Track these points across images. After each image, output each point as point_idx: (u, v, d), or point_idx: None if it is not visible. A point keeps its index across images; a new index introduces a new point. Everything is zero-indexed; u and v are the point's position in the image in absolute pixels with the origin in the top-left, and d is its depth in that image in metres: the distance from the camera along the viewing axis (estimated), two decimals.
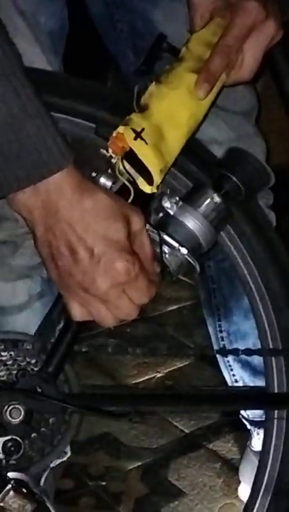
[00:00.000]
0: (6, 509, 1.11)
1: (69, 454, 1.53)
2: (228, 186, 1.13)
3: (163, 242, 1.07)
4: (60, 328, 1.14)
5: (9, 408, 1.12)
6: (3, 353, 1.15)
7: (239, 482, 1.78)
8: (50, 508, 1.15)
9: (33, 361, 1.15)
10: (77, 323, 1.10)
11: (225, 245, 1.24)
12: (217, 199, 1.11)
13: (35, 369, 1.15)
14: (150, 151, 1.06)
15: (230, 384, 1.69)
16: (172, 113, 1.09)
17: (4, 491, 1.11)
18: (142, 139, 1.05)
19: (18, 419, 1.12)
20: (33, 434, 1.15)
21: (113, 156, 1.05)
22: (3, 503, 1.10)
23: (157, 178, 1.06)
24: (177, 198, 1.10)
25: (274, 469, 1.27)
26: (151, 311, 2.17)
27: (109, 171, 1.04)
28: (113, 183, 1.04)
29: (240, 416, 1.75)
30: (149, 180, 1.06)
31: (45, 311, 1.20)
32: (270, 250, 1.26)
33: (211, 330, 1.69)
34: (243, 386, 1.66)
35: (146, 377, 2.14)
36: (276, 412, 1.26)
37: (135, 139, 1.05)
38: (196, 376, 2.14)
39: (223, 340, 1.66)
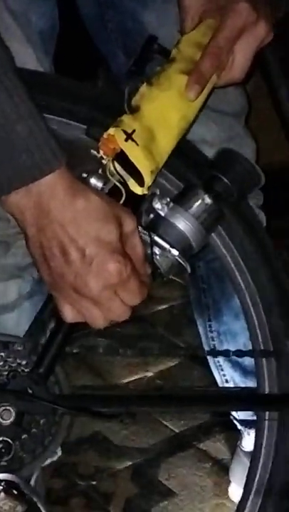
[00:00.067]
0: None
1: (60, 453, 1.53)
2: (218, 187, 1.13)
3: (154, 243, 1.07)
4: (51, 329, 1.14)
5: (0, 410, 1.12)
6: None
7: (229, 482, 1.79)
8: (41, 508, 1.15)
9: (24, 362, 1.15)
10: (68, 324, 1.10)
11: (216, 246, 1.24)
12: (208, 200, 1.11)
13: (26, 370, 1.14)
14: (141, 152, 1.06)
15: (220, 384, 1.69)
16: (163, 114, 1.10)
17: None
18: (132, 140, 1.05)
19: (8, 421, 1.12)
20: (24, 436, 1.14)
21: (104, 157, 1.05)
22: None
23: (148, 180, 1.07)
24: (168, 200, 1.10)
25: (265, 470, 1.28)
26: (141, 311, 2.16)
27: (101, 172, 1.04)
28: (104, 185, 1.04)
29: (231, 416, 1.76)
30: (140, 181, 1.06)
31: (34, 311, 1.20)
32: (261, 251, 1.26)
33: (201, 330, 1.69)
34: (234, 387, 1.66)
35: (137, 377, 2.14)
36: (267, 412, 1.26)
37: (126, 140, 1.05)
38: (186, 376, 2.14)
39: (213, 340, 1.66)
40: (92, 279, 0.98)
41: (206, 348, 1.67)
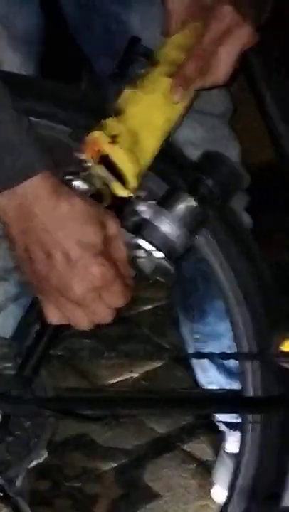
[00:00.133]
0: None
1: (46, 455, 1.52)
2: (203, 189, 1.13)
3: (138, 245, 1.07)
4: (36, 332, 1.14)
5: None
6: None
7: (213, 484, 1.79)
8: (27, 510, 1.15)
9: (9, 365, 1.15)
10: (52, 326, 1.10)
11: (200, 248, 1.24)
12: (193, 202, 1.11)
13: (11, 372, 1.14)
14: (125, 155, 1.06)
15: (205, 386, 1.70)
16: (148, 117, 1.10)
17: None
18: (117, 143, 1.06)
19: None
20: (9, 438, 1.14)
21: (88, 160, 1.05)
22: None
23: (132, 182, 1.07)
24: (152, 202, 1.10)
25: (249, 472, 1.28)
26: (126, 312, 2.16)
27: (85, 175, 1.05)
28: (88, 187, 1.04)
29: (214, 418, 1.76)
30: (125, 184, 1.06)
31: (20, 314, 1.20)
32: (245, 253, 1.27)
33: (185, 331, 1.69)
34: (219, 389, 1.66)
35: (122, 378, 2.14)
36: (251, 415, 1.27)
37: (110, 143, 1.05)
38: (171, 377, 2.14)
39: (197, 341, 1.66)
40: (76, 282, 0.99)
41: (190, 350, 1.67)
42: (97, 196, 1.04)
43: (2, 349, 1.15)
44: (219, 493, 1.73)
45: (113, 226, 1.01)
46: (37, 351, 1.13)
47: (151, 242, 1.08)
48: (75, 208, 0.97)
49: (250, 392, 1.26)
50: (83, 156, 1.05)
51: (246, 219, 1.51)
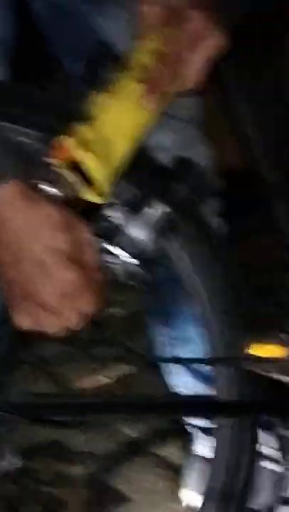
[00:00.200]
0: None
1: (19, 464, 1.52)
2: (174, 195, 1.13)
3: (109, 251, 1.07)
4: (6, 337, 1.14)
5: None
6: None
7: (183, 487, 1.79)
8: None
9: None
10: (23, 331, 1.10)
11: (171, 253, 1.24)
12: (163, 208, 1.11)
13: None
14: (96, 161, 1.06)
15: (175, 390, 1.70)
16: (119, 123, 1.10)
17: None
18: (88, 149, 1.05)
19: None
20: None
21: (59, 165, 1.05)
22: None
23: (103, 188, 1.07)
24: (124, 208, 1.10)
25: (220, 477, 1.28)
26: (98, 316, 2.16)
27: (56, 180, 1.04)
28: (59, 193, 1.04)
29: (184, 421, 1.76)
30: (96, 190, 1.06)
31: None
32: (216, 257, 1.27)
33: (155, 335, 1.69)
34: (190, 393, 1.66)
35: (94, 383, 2.14)
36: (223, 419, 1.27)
37: (81, 149, 1.05)
38: (143, 381, 2.14)
39: (167, 345, 1.66)
40: (46, 288, 0.99)
41: (161, 354, 1.67)
42: (68, 202, 1.04)
43: None
44: (189, 497, 1.73)
45: (84, 232, 1.01)
46: (7, 356, 1.12)
47: (122, 248, 1.09)
48: (46, 214, 0.97)
49: (220, 396, 1.27)
50: (54, 162, 1.05)
51: (218, 223, 1.51)
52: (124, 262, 1.09)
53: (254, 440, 1.28)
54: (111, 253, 1.08)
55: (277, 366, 1.21)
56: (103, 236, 1.08)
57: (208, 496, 1.28)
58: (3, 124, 1.05)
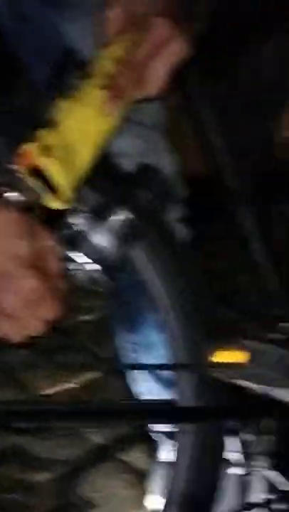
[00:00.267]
0: None
1: None
2: (138, 201, 1.14)
3: (72, 258, 1.07)
4: None
5: None
6: None
7: (149, 492, 1.79)
8: None
9: None
10: None
11: (135, 259, 1.25)
12: (127, 215, 1.11)
13: None
14: (59, 167, 1.05)
15: (138, 396, 1.70)
16: (82, 129, 1.10)
17: None
18: (51, 155, 1.05)
19: None
20: None
21: (22, 171, 1.04)
22: None
23: (66, 195, 1.06)
24: (87, 214, 1.10)
25: (183, 481, 1.28)
26: (63, 322, 2.15)
27: (18, 186, 1.04)
28: (21, 199, 1.03)
29: (149, 427, 1.76)
30: (58, 196, 1.06)
31: None
32: (179, 264, 1.27)
33: (120, 341, 1.69)
34: (154, 399, 1.66)
35: (59, 389, 2.13)
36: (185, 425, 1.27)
37: (44, 155, 1.05)
38: (108, 387, 2.14)
39: (131, 351, 1.66)
40: (6, 295, 0.98)
41: (125, 360, 1.67)
42: (31, 209, 1.04)
43: None
44: (153, 502, 1.73)
45: (46, 239, 1.01)
46: None
47: (86, 255, 1.08)
48: (7, 221, 0.97)
49: (184, 403, 1.27)
50: (16, 168, 1.05)
51: (181, 230, 1.51)
52: (88, 269, 1.09)
53: (217, 445, 1.28)
54: (74, 260, 1.08)
55: (240, 372, 1.22)
56: (67, 243, 1.08)
57: (169, 500, 1.29)
58: None
